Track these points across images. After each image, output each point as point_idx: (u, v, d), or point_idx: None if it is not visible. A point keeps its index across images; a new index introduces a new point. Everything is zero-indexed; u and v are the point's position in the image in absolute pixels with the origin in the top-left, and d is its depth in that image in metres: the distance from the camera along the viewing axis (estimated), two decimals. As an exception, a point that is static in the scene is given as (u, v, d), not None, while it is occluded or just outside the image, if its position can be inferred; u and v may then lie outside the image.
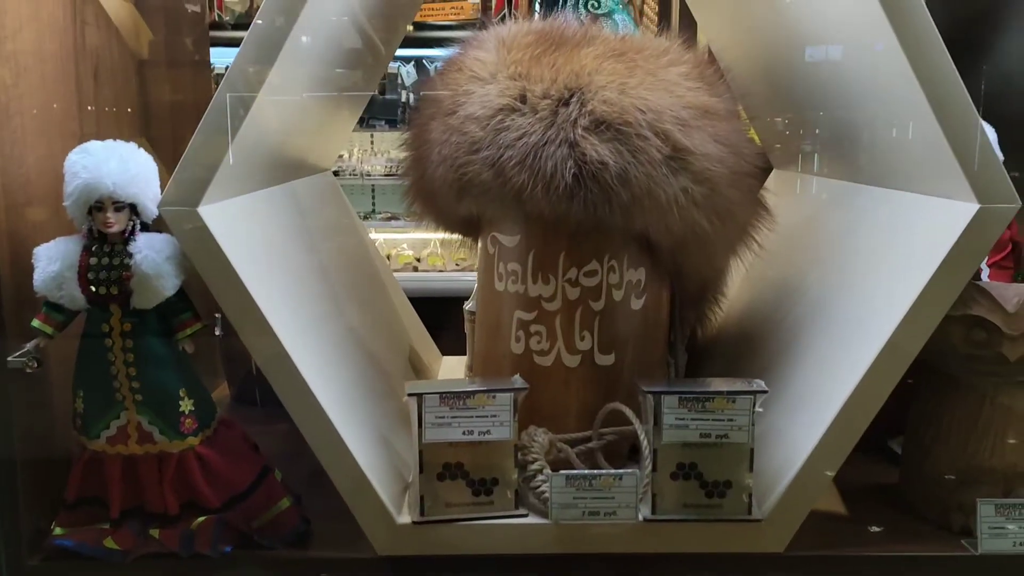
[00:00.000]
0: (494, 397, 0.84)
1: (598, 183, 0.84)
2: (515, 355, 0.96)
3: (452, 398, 0.84)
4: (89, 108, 0.98)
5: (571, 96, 0.86)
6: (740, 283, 1.29)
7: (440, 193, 0.93)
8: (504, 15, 2.75)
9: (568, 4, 0.93)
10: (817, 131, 1.15)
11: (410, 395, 0.84)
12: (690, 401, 0.85)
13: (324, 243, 1.08)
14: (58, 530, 0.87)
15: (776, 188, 1.36)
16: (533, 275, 0.94)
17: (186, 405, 0.86)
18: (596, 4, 0.93)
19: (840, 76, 0.98)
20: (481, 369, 1.02)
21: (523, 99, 0.86)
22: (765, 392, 0.85)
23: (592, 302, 0.94)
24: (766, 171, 0.97)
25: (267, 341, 0.80)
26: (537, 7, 0.93)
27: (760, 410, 0.85)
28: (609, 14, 0.95)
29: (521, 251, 0.94)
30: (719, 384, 0.87)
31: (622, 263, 0.94)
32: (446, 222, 1.02)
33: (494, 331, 0.98)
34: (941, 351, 0.89)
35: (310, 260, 0.99)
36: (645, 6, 2.55)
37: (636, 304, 0.95)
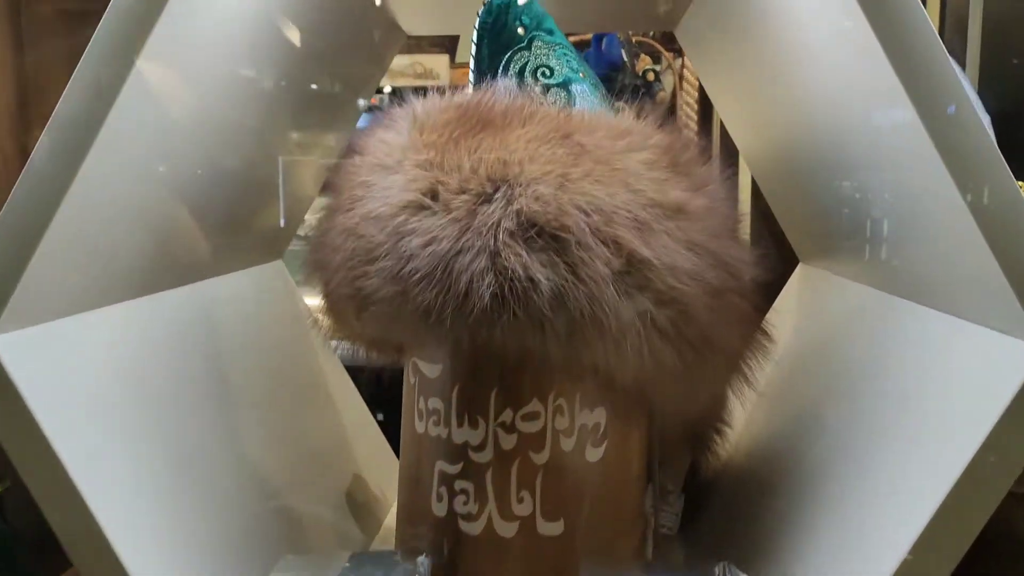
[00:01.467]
0: (381, 595, 0.63)
1: (525, 306, 0.64)
2: (437, 518, 0.74)
3: (324, 594, 0.63)
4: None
5: (495, 191, 0.65)
6: (752, 404, 1.07)
7: (335, 313, 0.73)
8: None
9: (511, 70, 0.74)
10: (845, 227, 0.93)
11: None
12: (647, 605, 0.62)
13: (233, 358, 0.88)
14: None
15: (800, 284, 1.15)
16: (458, 416, 0.73)
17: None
18: (547, 71, 0.74)
19: (867, 169, 0.77)
20: (403, 533, 0.80)
21: (433, 194, 0.66)
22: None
23: (533, 453, 0.72)
24: (768, 285, 0.75)
25: (82, 530, 0.60)
26: (472, 75, 0.73)
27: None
28: (564, 84, 0.75)
29: (444, 384, 0.74)
30: None
31: (572, 403, 0.72)
32: (363, 344, 0.82)
33: (414, 485, 0.77)
34: (1006, 534, 0.65)
35: (196, 386, 0.79)
36: (685, 70, 2.37)
37: (593, 455, 0.73)
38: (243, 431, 0.85)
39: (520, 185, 0.65)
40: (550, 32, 0.77)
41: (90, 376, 0.67)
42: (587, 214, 0.64)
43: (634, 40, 2.70)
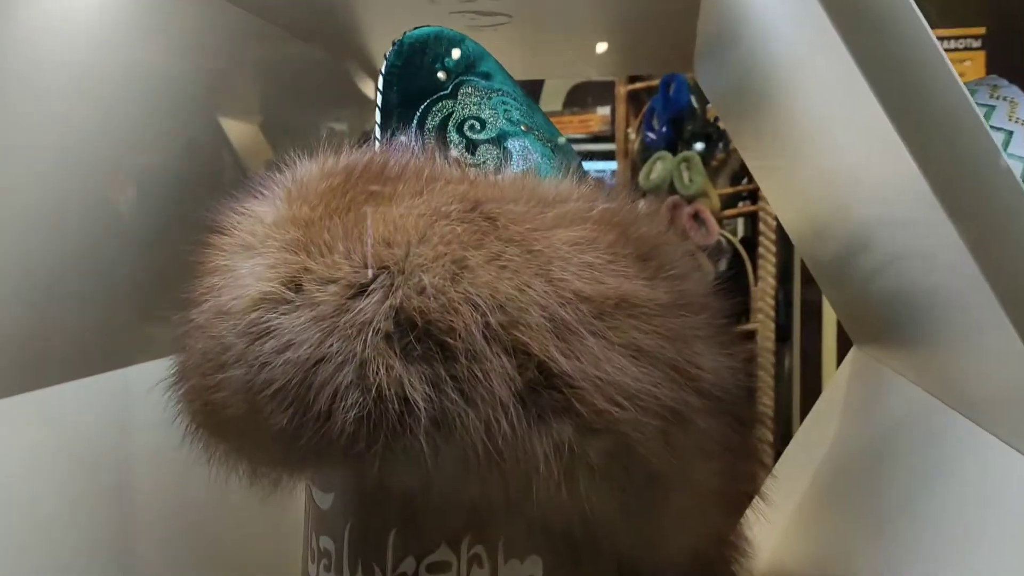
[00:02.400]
0: None
1: (400, 436, 0.48)
2: None
3: None
4: None
5: (371, 281, 0.50)
6: (792, 509, 0.88)
7: (190, 427, 0.59)
8: (637, 126, 2.45)
9: (429, 123, 0.58)
10: (894, 318, 0.74)
11: None
12: None
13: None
14: None
15: (852, 372, 0.95)
16: (351, 562, 0.57)
17: None
18: (476, 124, 0.58)
19: (907, 258, 0.59)
20: None
21: (296, 285, 0.51)
22: None
23: (443, 615, 0.56)
24: (750, 404, 0.57)
25: None
26: (376, 130, 0.58)
27: None
28: (498, 139, 0.60)
29: (335, 520, 0.58)
30: None
31: (495, 550, 0.55)
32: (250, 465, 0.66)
33: (306, 645, 0.61)
34: None
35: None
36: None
37: (527, 617, 0.56)
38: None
39: (403, 273, 0.50)
40: (486, 76, 0.62)
41: None
42: (484, 313, 0.48)
43: (706, 84, 2.51)
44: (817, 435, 0.93)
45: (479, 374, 0.47)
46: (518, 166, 0.60)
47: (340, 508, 0.58)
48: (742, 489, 0.59)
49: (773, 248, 2.34)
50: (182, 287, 0.57)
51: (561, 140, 0.65)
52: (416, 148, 0.57)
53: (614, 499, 0.50)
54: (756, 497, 0.62)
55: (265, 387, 0.50)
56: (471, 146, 0.60)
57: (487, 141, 0.60)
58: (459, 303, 0.48)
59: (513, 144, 0.61)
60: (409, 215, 0.52)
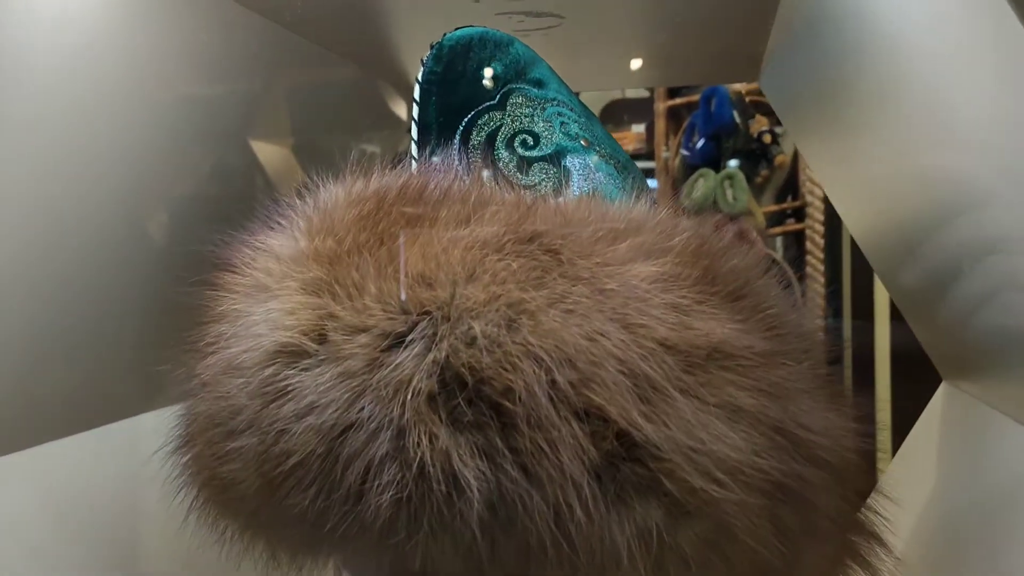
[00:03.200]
0: None
1: (447, 522, 0.39)
2: None
3: None
4: None
5: (410, 330, 0.41)
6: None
7: (200, 506, 0.50)
8: (676, 143, 2.37)
9: (474, 138, 0.49)
10: (992, 347, 0.64)
11: None
12: None
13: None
14: None
15: (944, 408, 0.85)
16: (388, 660, 0.48)
17: None
18: (528, 139, 0.49)
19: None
20: None
21: (320, 334, 0.43)
22: None
23: None
24: (865, 472, 0.47)
25: None
26: (412, 148, 0.50)
27: None
28: (555, 156, 0.51)
29: (370, 608, 0.49)
30: None
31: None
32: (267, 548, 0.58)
33: None
34: None
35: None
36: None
37: None
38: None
39: (448, 320, 0.41)
40: (538, 84, 0.53)
41: None
42: (549, 369, 0.39)
43: (748, 99, 2.42)
44: (910, 480, 0.82)
45: (545, 446, 0.38)
46: (579, 188, 0.51)
47: (375, 595, 0.49)
48: (850, 568, 0.49)
49: (821, 267, 2.24)
50: (188, 333, 0.49)
51: (625, 157, 0.56)
52: (460, 168, 0.48)
53: (707, 595, 0.41)
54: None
55: (283, 460, 0.41)
56: (523, 164, 0.52)
57: (542, 159, 0.51)
58: (518, 357, 0.39)
59: (572, 162, 0.52)
60: (454, 248, 0.43)
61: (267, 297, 0.45)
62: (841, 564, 0.47)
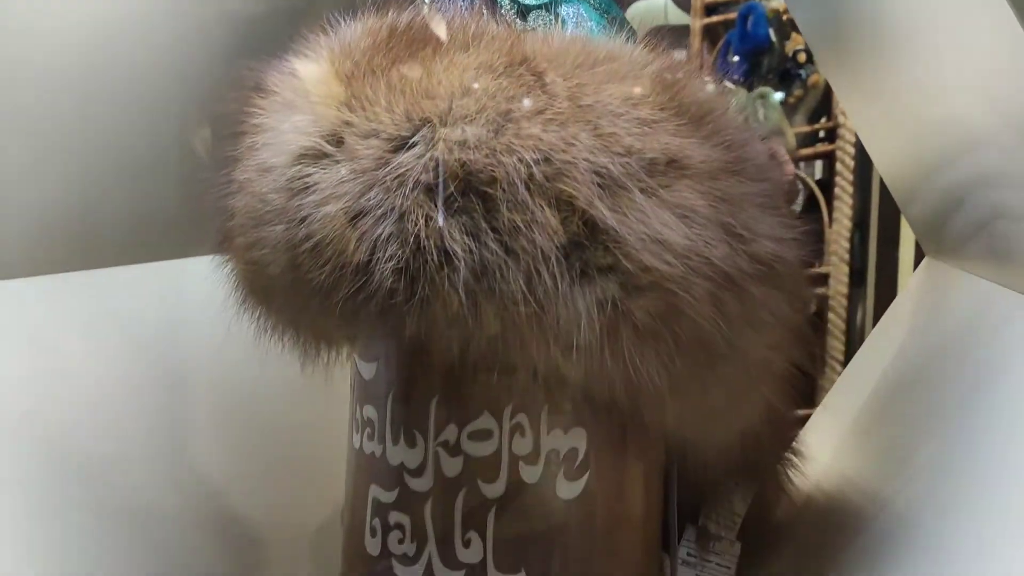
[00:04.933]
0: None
1: (439, 289, 0.47)
2: (369, 556, 0.59)
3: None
4: None
5: (413, 134, 0.49)
6: (845, 431, 0.85)
7: (234, 291, 0.59)
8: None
9: (480, -12, 0.56)
10: (977, 219, 0.70)
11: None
12: None
13: (194, 356, 0.76)
14: None
15: (924, 280, 0.91)
16: (393, 429, 0.57)
17: None
18: (525, -16, 0.55)
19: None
20: (343, 569, 0.65)
21: (337, 139, 0.50)
22: None
23: (483, 483, 0.55)
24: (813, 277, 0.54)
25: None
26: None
27: None
28: (550, 4, 0.57)
29: (378, 387, 0.58)
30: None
31: (538, 421, 0.54)
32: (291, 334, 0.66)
33: (351, 512, 0.61)
34: None
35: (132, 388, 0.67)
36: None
37: (568, 490, 0.55)
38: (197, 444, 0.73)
39: (446, 126, 0.48)
40: None
41: None
42: (528, 164, 0.46)
43: (784, 17, 2.42)
44: (885, 342, 0.89)
45: (521, 225, 0.46)
46: (571, 31, 0.57)
47: (383, 377, 0.57)
48: (794, 368, 0.57)
49: (850, 189, 2.26)
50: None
51: (619, 14, 0.62)
52: (463, 6, 0.55)
53: (661, 364, 0.48)
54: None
55: (304, 241, 0.49)
56: (522, 12, 0.58)
57: (539, 7, 0.58)
58: (502, 154, 0.47)
59: (567, 11, 0.58)
60: (453, 69, 0.50)
61: (293, 111, 0.53)
62: (781, 356, 0.55)
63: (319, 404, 0.84)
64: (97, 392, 0.64)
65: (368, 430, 0.58)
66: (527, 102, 0.48)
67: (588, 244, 0.46)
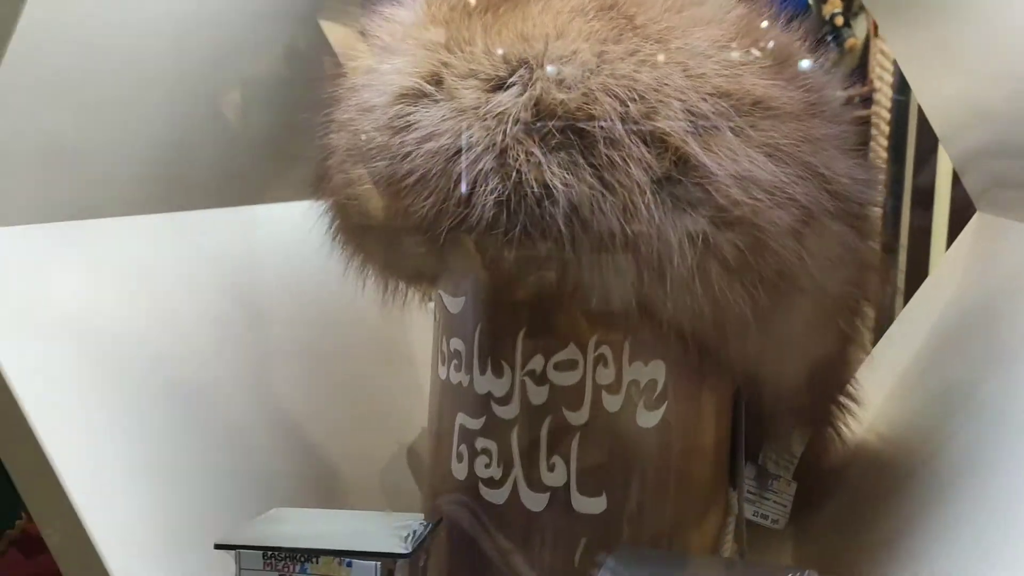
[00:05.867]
0: (349, 566, 0.51)
1: (538, 221, 0.50)
2: (456, 481, 0.62)
3: (283, 559, 0.52)
4: None
5: (510, 74, 0.51)
6: (898, 377, 0.87)
7: (333, 228, 0.62)
8: None
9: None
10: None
11: (219, 547, 0.53)
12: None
13: (273, 295, 0.79)
14: None
15: (976, 234, 0.93)
16: (480, 360, 0.60)
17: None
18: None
19: None
20: (426, 496, 0.68)
21: (437, 79, 0.53)
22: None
23: (568, 411, 0.58)
24: (877, 217, 0.57)
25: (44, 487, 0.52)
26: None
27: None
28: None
29: (466, 321, 0.61)
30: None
31: (620, 352, 0.57)
32: (379, 269, 0.70)
33: (436, 439, 0.65)
34: None
35: (220, 325, 0.71)
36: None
37: (648, 419, 0.58)
38: (273, 372, 0.76)
39: (542, 67, 0.51)
40: None
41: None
42: (624, 102, 0.49)
43: (822, -22, 2.41)
44: (937, 292, 0.91)
45: (618, 160, 0.48)
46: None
47: (471, 311, 0.60)
48: (862, 302, 0.59)
49: (884, 155, 2.26)
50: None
51: None
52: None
53: (746, 295, 0.51)
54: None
55: (407, 177, 0.52)
56: None
57: None
58: (598, 93, 0.49)
59: None
60: (547, 13, 0.52)
61: (393, 55, 0.55)
62: (852, 289, 0.57)
63: (392, 340, 0.88)
64: (191, 324, 0.67)
65: (455, 361, 0.61)
66: (620, 44, 0.51)
67: (681, 179, 0.49)
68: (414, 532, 0.54)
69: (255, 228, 0.83)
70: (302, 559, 0.51)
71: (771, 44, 0.54)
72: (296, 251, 0.85)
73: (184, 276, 0.70)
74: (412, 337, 0.87)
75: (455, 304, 0.62)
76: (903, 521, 0.65)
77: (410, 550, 0.52)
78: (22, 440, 0.51)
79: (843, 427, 0.77)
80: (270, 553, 0.52)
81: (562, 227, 0.49)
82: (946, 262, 0.98)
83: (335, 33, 0.89)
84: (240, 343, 0.72)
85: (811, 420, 0.73)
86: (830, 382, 0.69)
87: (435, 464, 0.65)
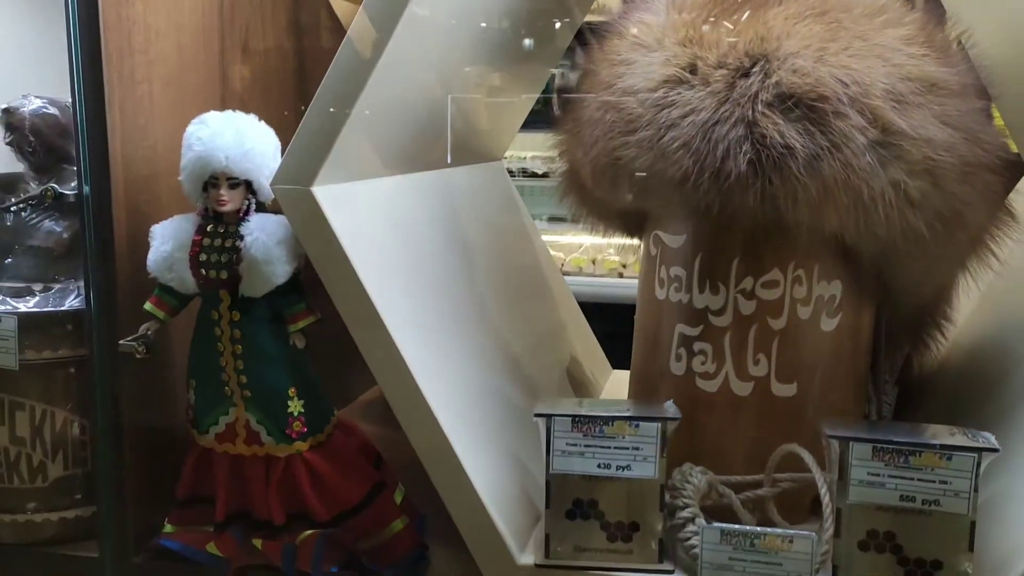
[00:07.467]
0: (637, 427, 0.70)
1: (780, 172, 0.68)
2: (674, 376, 0.80)
3: (587, 423, 0.70)
4: (236, 85, 0.93)
5: (753, 65, 0.69)
6: (975, 302, 1.06)
7: (593, 182, 0.79)
8: None
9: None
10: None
11: (538, 415, 0.71)
12: (888, 453, 0.66)
13: (475, 239, 0.97)
14: (168, 527, 0.81)
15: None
16: (700, 282, 0.78)
17: (295, 406, 0.77)
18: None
19: None
20: (637, 389, 0.87)
21: (693, 69, 0.71)
22: (995, 451, 0.65)
23: (771, 319, 0.76)
24: (1016, 167, 0.76)
25: (379, 341, 0.70)
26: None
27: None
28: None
29: (686, 253, 0.79)
30: (932, 434, 0.67)
31: (811, 274, 0.76)
32: (603, 218, 0.88)
33: (652, 346, 0.83)
34: None
35: (450, 257, 0.88)
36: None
37: (828, 325, 0.77)
38: (488, 300, 0.94)
39: (778, 59, 0.69)
40: None
41: (389, 223, 0.77)
42: (845, 84, 0.67)
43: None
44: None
45: (842, 128, 0.67)
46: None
47: (691, 246, 0.78)
48: (996, 231, 0.78)
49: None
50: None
51: None
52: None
53: (920, 227, 0.70)
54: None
55: (670, 143, 0.70)
56: None
57: None
58: (825, 78, 0.67)
59: None
60: (775, 19, 0.71)
61: (649, 51, 0.73)
62: (993, 218, 0.76)
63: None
64: (440, 268, 0.84)
65: (675, 284, 0.80)
66: (835, 42, 0.69)
67: (886, 140, 0.67)
68: (670, 407, 0.72)
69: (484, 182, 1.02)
70: (601, 423, 0.70)
71: (938, 39, 0.72)
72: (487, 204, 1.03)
73: (431, 226, 0.87)
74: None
75: (675, 240, 0.80)
76: (994, 413, 0.84)
77: (676, 416, 0.70)
78: (372, 326, 0.70)
79: (939, 341, 0.96)
80: (576, 419, 0.70)
81: (801, 176, 0.67)
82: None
83: (341, 7, 1.07)
84: (466, 281, 0.90)
85: (919, 335, 0.93)
86: (942, 303, 0.88)
87: (648, 365, 0.84)
